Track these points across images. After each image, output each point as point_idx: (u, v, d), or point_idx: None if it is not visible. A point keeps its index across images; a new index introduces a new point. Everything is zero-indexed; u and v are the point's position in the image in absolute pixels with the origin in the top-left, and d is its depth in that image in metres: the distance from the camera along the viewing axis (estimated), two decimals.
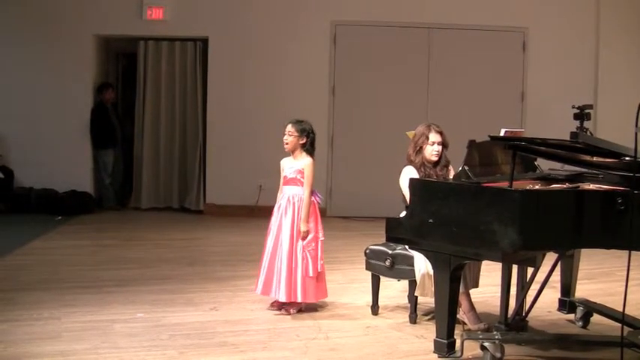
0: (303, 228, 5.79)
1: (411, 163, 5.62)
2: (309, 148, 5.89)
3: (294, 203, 5.84)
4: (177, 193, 11.26)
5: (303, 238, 5.79)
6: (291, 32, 10.76)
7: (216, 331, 5.38)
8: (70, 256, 7.97)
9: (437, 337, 4.83)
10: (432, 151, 5.58)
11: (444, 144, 5.62)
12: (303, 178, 5.84)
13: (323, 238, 5.90)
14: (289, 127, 5.88)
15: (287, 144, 5.89)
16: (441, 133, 5.62)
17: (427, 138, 5.59)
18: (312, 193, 5.88)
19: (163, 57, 11.14)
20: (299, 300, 5.78)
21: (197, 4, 10.80)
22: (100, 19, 10.76)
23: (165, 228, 9.85)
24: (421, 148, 5.60)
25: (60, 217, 10.11)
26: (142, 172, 11.21)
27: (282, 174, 5.96)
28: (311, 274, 5.77)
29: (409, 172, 5.56)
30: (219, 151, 10.88)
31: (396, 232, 4.85)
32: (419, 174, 5.54)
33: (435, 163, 5.62)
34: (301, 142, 5.86)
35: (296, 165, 5.88)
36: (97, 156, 11.14)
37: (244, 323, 5.61)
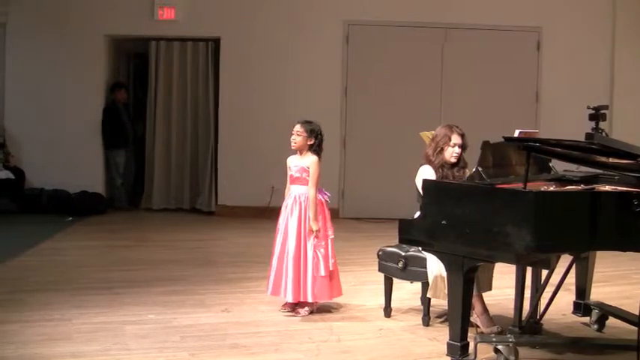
0: (314, 227, 5.78)
1: (429, 163, 5.61)
2: (317, 150, 5.90)
3: (300, 202, 5.84)
4: (188, 194, 11.27)
5: (316, 237, 5.79)
6: (303, 32, 10.76)
7: (228, 333, 5.39)
8: (81, 257, 8.00)
9: (450, 339, 4.81)
10: (452, 153, 5.57)
11: (463, 146, 5.62)
12: (308, 176, 5.84)
13: (333, 236, 5.90)
14: (298, 127, 5.88)
15: (294, 144, 5.89)
16: (462, 136, 5.62)
17: (449, 139, 5.57)
18: (318, 191, 5.87)
19: (175, 57, 11.17)
20: (309, 300, 5.79)
21: (209, 5, 10.82)
22: (111, 19, 10.79)
23: (176, 229, 9.87)
24: (442, 149, 5.58)
25: (71, 218, 10.15)
26: (154, 173, 11.24)
27: (289, 172, 5.97)
28: (322, 273, 5.77)
29: (426, 172, 5.55)
30: (230, 152, 10.89)
31: (408, 233, 4.84)
32: (436, 175, 5.53)
33: (453, 165, 5.61)
34: (309, 142, 5.86)
35: (301, 163, 5.88)
36: (109, 156, 11.17)
37: (255, 325, 5.61)
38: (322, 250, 5.81)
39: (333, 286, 5.88)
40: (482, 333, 5.28)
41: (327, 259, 5.81)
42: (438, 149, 5.59)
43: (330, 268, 5.83)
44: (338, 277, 5.95)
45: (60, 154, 10.70)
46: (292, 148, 5.93)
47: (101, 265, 7.64)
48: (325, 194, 5.96)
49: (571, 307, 5.85)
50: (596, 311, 5.62)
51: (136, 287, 6.59)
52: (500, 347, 4.70)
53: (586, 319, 5.70)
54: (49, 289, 6.48)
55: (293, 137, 5.90)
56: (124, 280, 6.88)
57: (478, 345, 4.77)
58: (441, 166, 5.58)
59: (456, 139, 5.59)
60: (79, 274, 7.11)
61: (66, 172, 10.64)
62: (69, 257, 7.95)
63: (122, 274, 7.15)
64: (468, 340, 4.81)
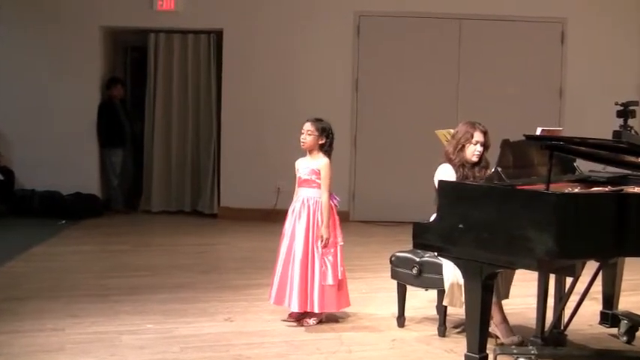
0: (324, 234, 5.78)
1: (449, 161, 5.61)
2: (328, 149, 5.91)
3: (309, 206, 5.84)
4: (189, 195, 11.29)
5: (325, 246, 5.79)
6: (311, 24, 10.76)
7: (231, 344, 5.39)
8: (75, 263, 8.03)
9: (468, 351, 4.80)
10: (473, 151, 5.57)
11: (486, 145, 5.62)
12: (318, 179, 5.85)
13: (342, 243, 5.90)
14: (308, 126, 5.88)
15: (304, 143, 5.89)
16: (485, 134, 5.62)
17: (472, 136, 5.57)
18: (329, 195, 5.88)
19: (175, 50, 11.18)
20: (316, 310, 5.79)
21: None
22: (107, 9, 10.81)
23: (176, 233, 9.89)
24: (463, 146, 5.58)
25: (64, 222, 10.16)
26: (153, 173, 11.25)
27: (297, 174, 5.98)
28: (330, 282, 5.77)
29: (445, 171, 5.55)
30: (234, 151, 10.89)
31: (423, 238, 4.84)
32: (456, 174, 5.53)
33: (474, 164, 5.61)
34: (320, 142, 5.87)
35: (311, 165, 5.88)
36: (105, 156, 11.19)
37: (261, 335, 5.62)
38: (331, 257, 5.81)
39: (341, 296, 5.88)
40: (501, 344, 5.27)
41: (335, 267, 5.81)
42: (459, 147, 5.59)
43: (339, 277, 5.83)
44: (346, 287, 5.95)
45: (52, 153, 10.72)
46: (302, 148, 5.94)
47: (97, 271, 7.66)
48: (335, 199, 5.96)
49: (598, 317, 5.84)
50: (625, 322, 5.60)
51: (134, 295, 6.60)
52: (521, 359, 4.68)
53: (614, 330, 5.69)
54: (41, 296, 6.49)
55: (303, 137, 5.90)
56: (121, 287, 6.88)
57: (498, 357, 4.77)
58: (461, 165, 5.58)
59: (478, 136, 5.58)
60: (73, 280, 7.13)
61: (59, 173, 10.65)
62: (62, 263, 7.97)
63: (119, 280, 7.16)
64: (487, 351, 4.81)
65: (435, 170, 5.63)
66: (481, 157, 5.62)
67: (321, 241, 5.78)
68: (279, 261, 5.90)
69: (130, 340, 5.38)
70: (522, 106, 10.51)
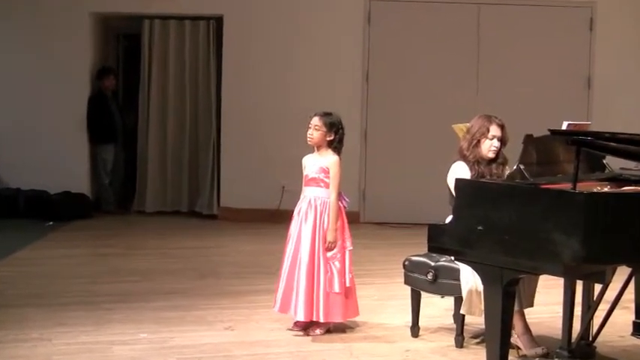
0: (330, 238, 5.78)
1: (463, 158, 5.61)
2: (338, 146, 5.90)
3: (315, 207, 5.84)
4: (187, 194, 11.30)
5: (330, 249, 5.78)
6: (318, 10, 10.75)
7: (232, 354, 5.40)
8: (63, 268, 8.03)
9: None
10: (490, 147, 5.57)
11: (503, 140, 5.61)
12: (327, 177, 5.83)
13: (351, 248, 5.89)
14: (315, 121, 5.86)
15: (311, 139, 5.88)
16: (502, 127, 5.62)
17: (487, 130, 5.57)
18: (338, 195, 5.87)
19: (171, 38, 11.19)
20: (321, 320, 5.78)
21: None
22: None
23: (173, 235, 9.90)
24: (478, 141, 5.58)
25: (52, 223, 10.18)
26: (147, 171, 11.27)
27: (304, 172, 5.97)
28: (336, 289, 5.76)
29: (459, 169, 5.55)
30: (235, 147, 10.90)
31: (439, 240, 4.83)
32: (471, 172, 5.52)
33: (491, 160, 5.60)
34: (329, 138, 5.86)
35: (320, 162, 5.87)
36: (95, 152, 11.21)
37: (264, 345, 5.62)
38: (337, 263, 5.80)
39: (348, 304, 5.87)
40: (524, 356, 5.28)
41: (342, 273, 5.80)
42: (474, 142, 5.59)
43: (347, 285, 5.82)
44: (354, 295, 5.94)
45: (39, 149, 10.73)
46: (309, 143, 5.92)
47: (86, 276, 7.67)
48: (344, 199, 5.95)
49: (630, 328, 5.81)
50: None
51: (126, 302, 6.62)
52: None
53: None
54: (26, 304, 6.50)
55: (310, 132, 5.88)
56: (113, 293, 6.90)
57: None
58: (476, 162, 5.58)
59: (494, 130, 5.58)
60: (60, 286, 7.14)
61: (46, 170, 10.65)
62: (49, 267, 7.98)
63: (110, 286, 7.17)
64: None
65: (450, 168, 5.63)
66: (498, 152, 5.61)
67: (324, 244, 5.77)
68: (284, 266, 5.90)
69: (122, 351, 5.39)
70: (547, 98, 10.49)
